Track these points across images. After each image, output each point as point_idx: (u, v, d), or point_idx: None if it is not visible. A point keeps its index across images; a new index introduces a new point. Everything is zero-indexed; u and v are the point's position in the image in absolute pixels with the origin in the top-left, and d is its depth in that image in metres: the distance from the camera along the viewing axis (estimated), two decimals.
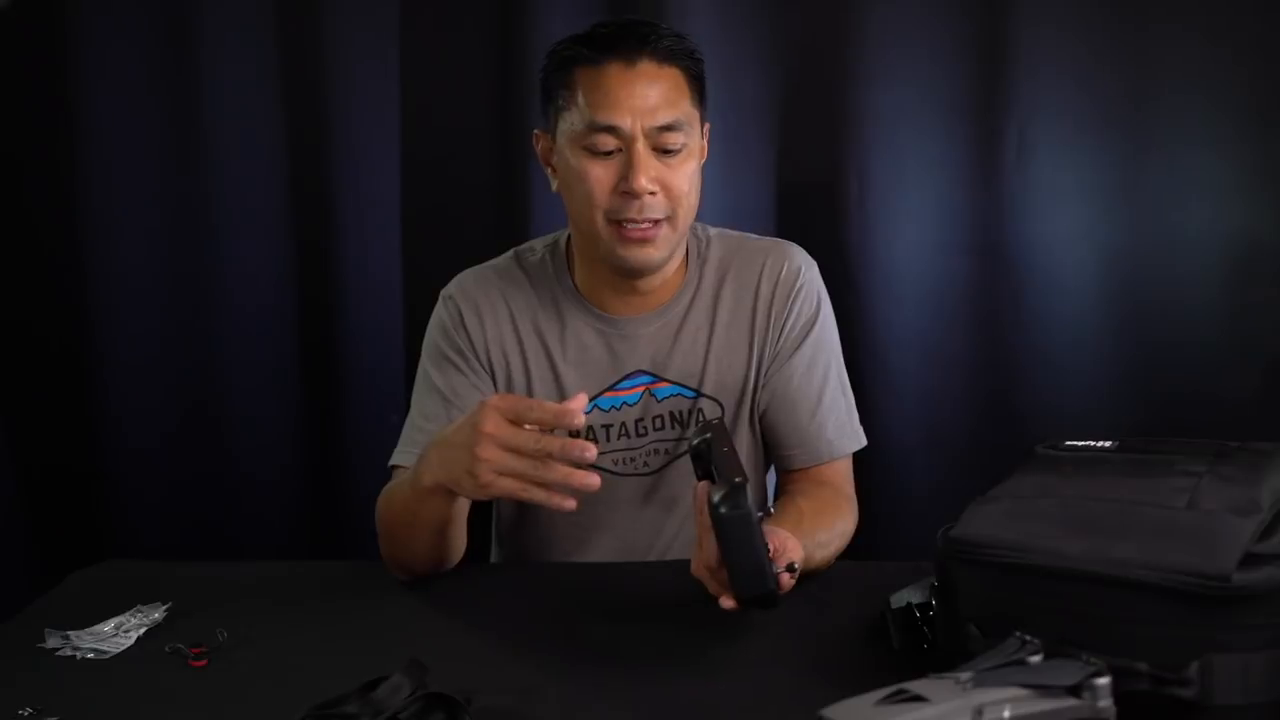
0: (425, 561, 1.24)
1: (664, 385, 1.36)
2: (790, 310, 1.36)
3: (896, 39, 1.70)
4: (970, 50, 1.70)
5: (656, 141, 1.25)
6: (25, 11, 1.74)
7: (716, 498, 0.94)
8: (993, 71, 1.70)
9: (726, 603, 0.99)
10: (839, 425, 1.37)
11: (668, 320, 1.37)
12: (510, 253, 1.42)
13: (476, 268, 1.42)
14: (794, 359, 1.36)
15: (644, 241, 1.27)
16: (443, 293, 1.41)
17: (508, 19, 1.75)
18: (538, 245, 1.42)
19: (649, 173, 1.24)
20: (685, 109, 1.27)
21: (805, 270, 1.38)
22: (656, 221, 1.27)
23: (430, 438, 1.30)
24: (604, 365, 1.36)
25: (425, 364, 1.39)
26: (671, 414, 1.37)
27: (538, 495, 1.02)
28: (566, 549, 1.40)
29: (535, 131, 1.35)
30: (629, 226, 1.26)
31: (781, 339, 1.36)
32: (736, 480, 0.94)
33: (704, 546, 1.01)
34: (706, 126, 1.34)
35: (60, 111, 1.78)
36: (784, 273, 1.37)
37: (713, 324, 1.37)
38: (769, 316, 1.36)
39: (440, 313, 1.39)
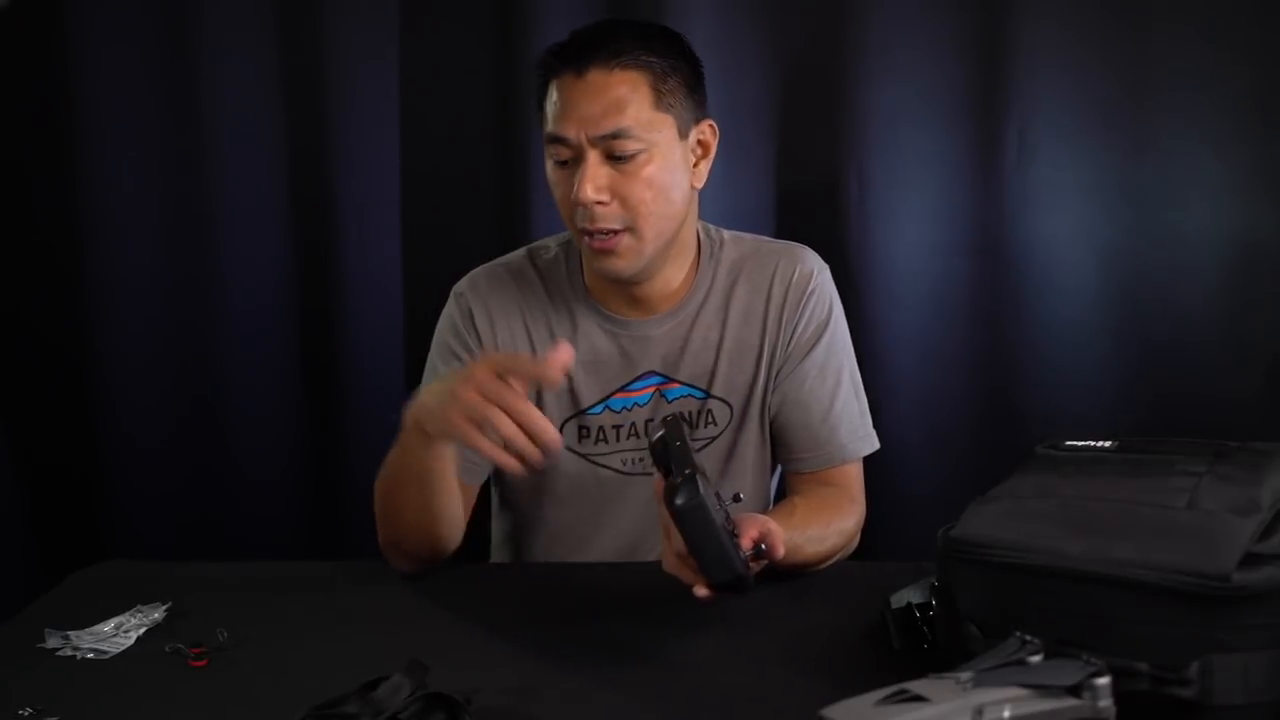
0: (417, 535, 1.24)
1: (674, 386, 1.37)
2: (802, 314, 1.36)
3: (896, 39, 1.70)
4: (970, 50, 1.70)
5: (607, 150, 1.24)
6: (25, 11, 1.74)
7: (670, 491, 0.95)
8: (993, 71, 1.70)
9: (700, 591, 0.99)
10: (851, 429, 1.38)
11: (679, 321, 1.37)
12: (523, 250, 1.43)
13: (489, 265, 1.42)
14: (806, 363, 1.36)
15: (607, 252, 1.27)
16: (455, 289, 1.40)
17: (507, 19, 1.75)
18: (551, 243, 1.42)
19: (595, 182, 1.23)
20: (637, 115, 1.24)
21: (818, 274, 1.39)
22: (616, 232, 1.26)
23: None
24: (616, 366, 1.37)
25: (434, 360, 1.39)
26: (681, 415, 1.37)
27: (483, 445, 1.05)
28: (573, 546, 1.40)
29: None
30: (593, 237, 1.27)
31: (793, 342, 1.36)
32: (687, 472, 0.95)
33: (672, 540, 1.02)
34: (708, 124, 1.32)
35: (60, 111, 1.77)
36: (796, 276, 1.37)
37: (724, 325, 1.37)
38: (780, 319, 1.36)
39: (451, 310, 1.39)
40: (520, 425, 1.04)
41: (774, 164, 1.77)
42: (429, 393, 1.15)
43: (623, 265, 1.29)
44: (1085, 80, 1.69)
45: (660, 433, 1.04)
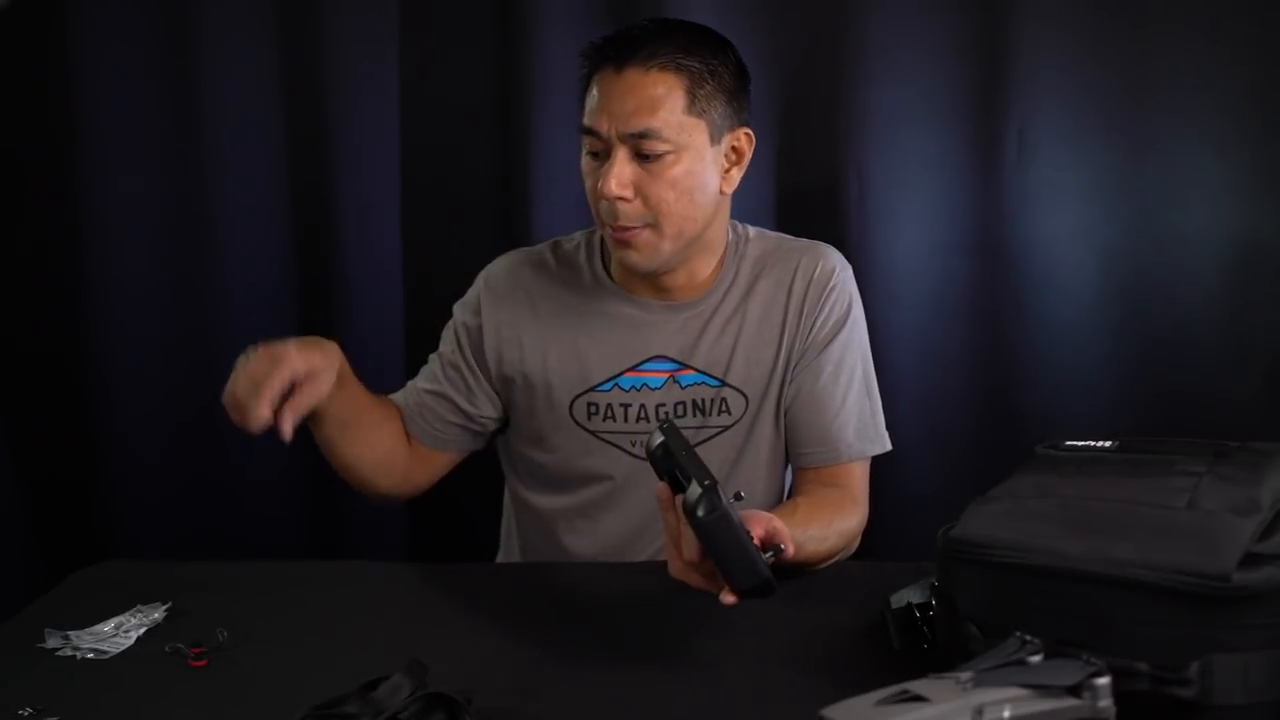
0: (340, 471, 1.39)
1: (689, 373, 1.38)
2: (822, 309, 1.38)
3: (896, 39, 1.70)
4: (970, 50, 1.70)
5: (635, 148, 1.27)
6: (25, 11, 1.74)
7: (692, 504, 0.95)
8: (993, 71, 1.70)
9: (727, 598, 0.99)
10: (861, 427, 1.39)
11: (699, 311, 1.39)
12: (549, 241, 1.48)
13: (514, 252, 1.47)
14: (822, 357, 1.38)
15: (627, 245, 1.30)
16: (480, 274, 1.45)
17: (507, 19, 1.75)
18: (577, 235, 1.47)
19: (620, 178, 1.26)
20: (669, 117, 1.26)
21: (839, 272, 1.41)
22: (635, 228, 1.29)
23: (419, 392, 1.42)
24: (628, 345, 1.39)
25: (447, 327, 1.45)
26: (695, 402, 1.38)
27: (233, 406, 1.20)
28: (581, 528, 1.42)
29: None
30: (615, 230, 1.30)
31: (811, 336, 1.38)
32: (706, 483, 0.95)
33: (680, 547, 1.02)
34: (744, 131, 1.33)
35: (60, 111, 1.77)
36: (818, 272, 1.39)
37: (744, 317, 1.39)
38: (801, 312, 1.38)
39: (470, 291, 1.45)
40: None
41: (774, 164, 1.77)
42: None
43: (639, 259, 1.32)
44: (1085, 80, 1.69)
45: (660, 440, 1.04)
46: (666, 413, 1.38)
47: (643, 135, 1.26)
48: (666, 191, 1.27)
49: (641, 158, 1.27)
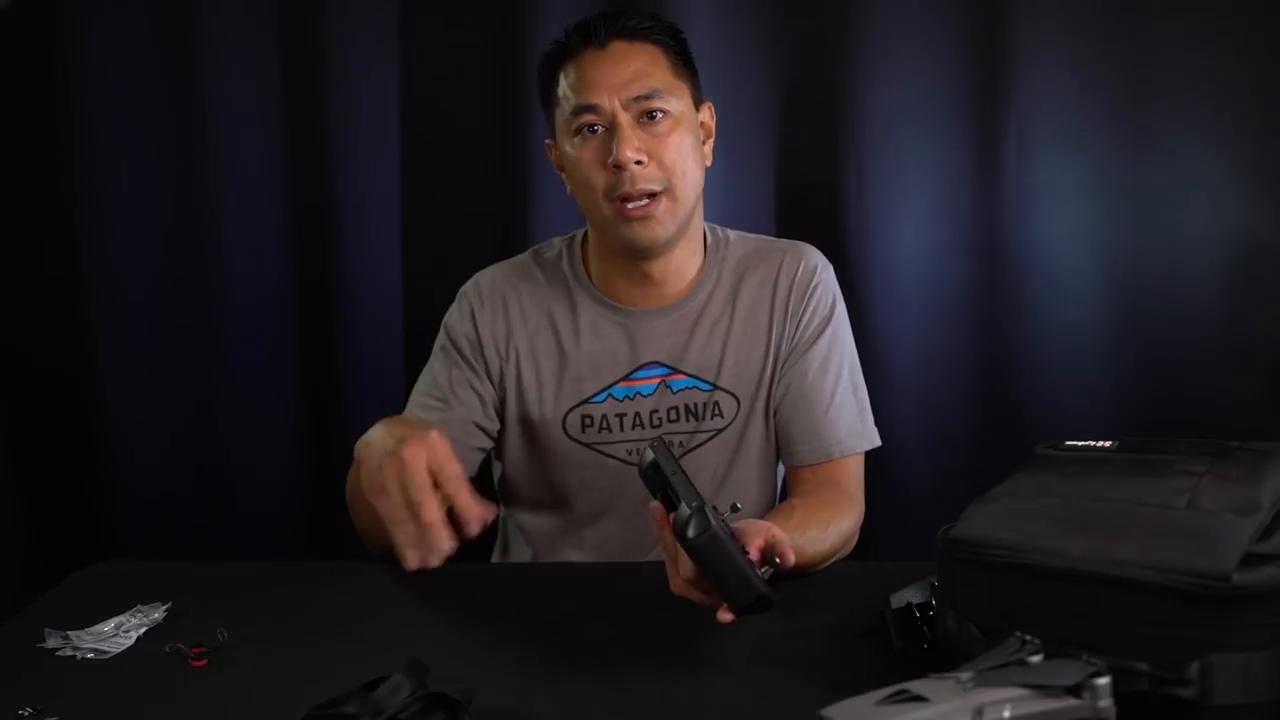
0: (376, 540, 1.26)
1: (680, 377, 1.39)
2: (806, 306, 1.39)
3: (896, 39, 1.70)
4: (970, 50, 1.70)
5: (638, 111, 1.29)
6: (25, 11, 1.74)
7: (682, 525, 0.95)
8: (993, 71, 1.70)
9: (725, 616, 0.99)
10: (850, 423, 1.39)
11: (684, 313, 1.40)
12: (529, 250, 1.48)
13: (495, 266, 1.46)
14: (809, 355, 1.39)
15: (646, 219, 1.31)
16: (461, 289, 1.45)
17: (508, 18, 1.75)
18: (556, 242, 1.47)
19: (632, 143, 1.28)
20: (663, 79, 1.31)
21: (822, 270, 1.42)
22: (654, 195, 1.30)
23: (416, 418, 1.36)
24: (619, 355, 1.39)
25: (435, 351, 1.44)
26: (687, 406, 1.39)
27: (389, 528, 1.04)
28: (583, 538, 1.42)
29: (546, 143, 1.41)
30: (630, 206, 1.30)
31: (798, 334, 1.39)
32: (695, 504, 0.95)
33: (678, 566, 1.02)
34: (707, 105, 1.39)
35: (60, 111, 1.77)
36: (801, 271, 1.41)
37: (731, 318, 1.40)
38: (786, 311, 1.39)
39: (455, 308, 1.44)
40: (424, 524, 1.02)
41: (774, 164, 1.77)
42: (372, 442, 1.13)
43: (660, 230, 1.32)
44: (1085, 80, 1.68)
45: (651, 458, 1.03)
46: (660, 419, 1.38)
47: (648, 96, 1.29)
48: (673, 153, 1.30)
49: (647, 119, 1.29)
